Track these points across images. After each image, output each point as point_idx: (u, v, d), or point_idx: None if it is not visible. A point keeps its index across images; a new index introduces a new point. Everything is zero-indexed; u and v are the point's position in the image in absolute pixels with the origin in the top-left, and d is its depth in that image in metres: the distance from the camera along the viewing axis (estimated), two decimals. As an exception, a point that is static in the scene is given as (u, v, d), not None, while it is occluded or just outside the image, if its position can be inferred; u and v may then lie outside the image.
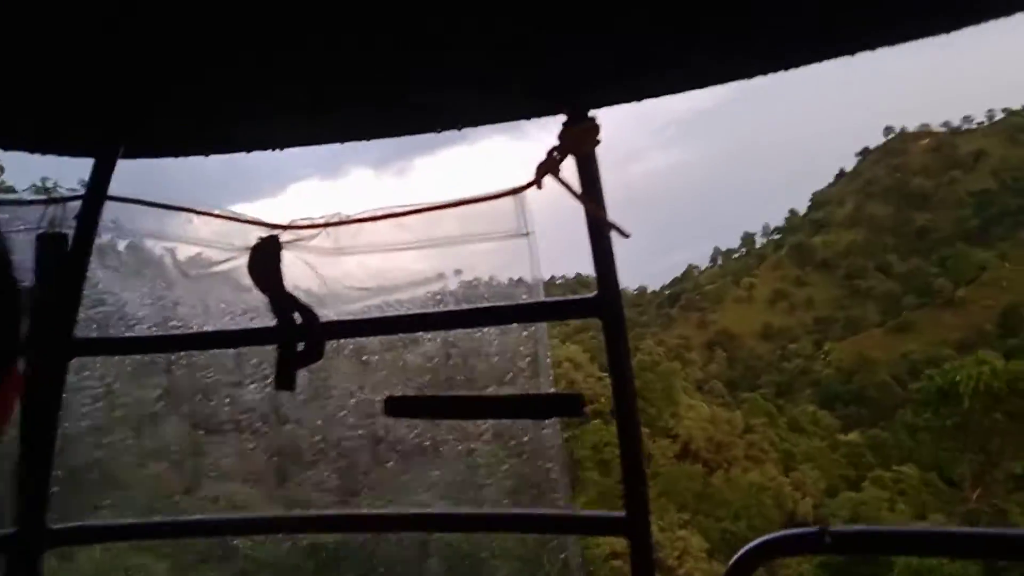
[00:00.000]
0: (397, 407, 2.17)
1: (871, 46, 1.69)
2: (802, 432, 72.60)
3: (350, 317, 2.26)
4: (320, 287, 2.22)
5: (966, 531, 2.52)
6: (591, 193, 2.08)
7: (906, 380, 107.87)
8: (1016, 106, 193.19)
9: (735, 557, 1.87)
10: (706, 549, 40.16)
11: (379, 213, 2.18)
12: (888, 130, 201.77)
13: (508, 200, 2.16)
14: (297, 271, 2.17)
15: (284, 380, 2.16)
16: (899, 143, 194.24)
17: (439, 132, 2.16)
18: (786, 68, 1.78)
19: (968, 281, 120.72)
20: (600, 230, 2.09)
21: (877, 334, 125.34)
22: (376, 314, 2.26)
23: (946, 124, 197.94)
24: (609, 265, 2.11)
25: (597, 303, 2.13)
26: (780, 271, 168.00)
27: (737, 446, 53.07)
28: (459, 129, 2.14)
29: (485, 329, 2.31)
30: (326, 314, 2.18)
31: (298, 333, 2.15)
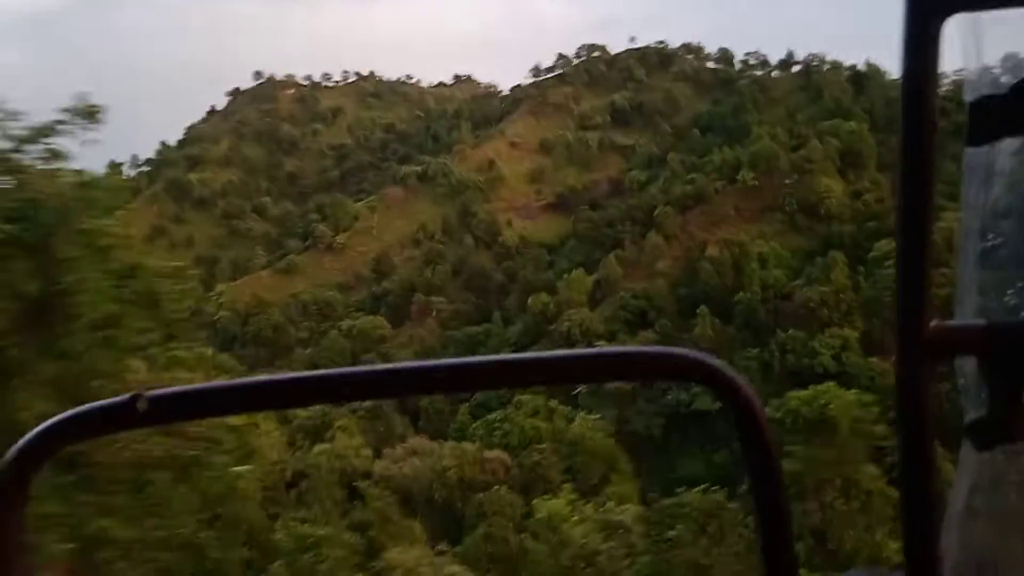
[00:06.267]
0: None
1: None
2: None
3: None
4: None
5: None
6: None
7: (298, 320, 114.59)
8: (365, 71, 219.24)
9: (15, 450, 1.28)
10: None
11: None
12: (258, 75, 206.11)
13: None
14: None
15: None
16: (268, 89, 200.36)
17: None
18: None
19: (345, 229, 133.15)
20: None
21: (265, 276, 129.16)
22: None
23: (309, 78, 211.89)
24: None
25: None
26: (157, 206, 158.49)
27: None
28: None
29: None
30: None
31: None
